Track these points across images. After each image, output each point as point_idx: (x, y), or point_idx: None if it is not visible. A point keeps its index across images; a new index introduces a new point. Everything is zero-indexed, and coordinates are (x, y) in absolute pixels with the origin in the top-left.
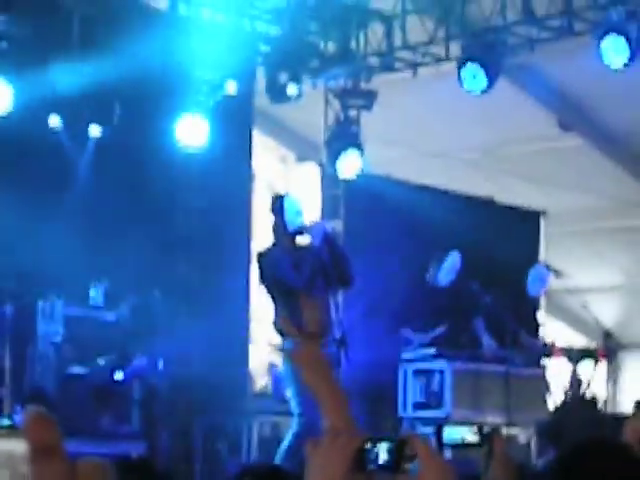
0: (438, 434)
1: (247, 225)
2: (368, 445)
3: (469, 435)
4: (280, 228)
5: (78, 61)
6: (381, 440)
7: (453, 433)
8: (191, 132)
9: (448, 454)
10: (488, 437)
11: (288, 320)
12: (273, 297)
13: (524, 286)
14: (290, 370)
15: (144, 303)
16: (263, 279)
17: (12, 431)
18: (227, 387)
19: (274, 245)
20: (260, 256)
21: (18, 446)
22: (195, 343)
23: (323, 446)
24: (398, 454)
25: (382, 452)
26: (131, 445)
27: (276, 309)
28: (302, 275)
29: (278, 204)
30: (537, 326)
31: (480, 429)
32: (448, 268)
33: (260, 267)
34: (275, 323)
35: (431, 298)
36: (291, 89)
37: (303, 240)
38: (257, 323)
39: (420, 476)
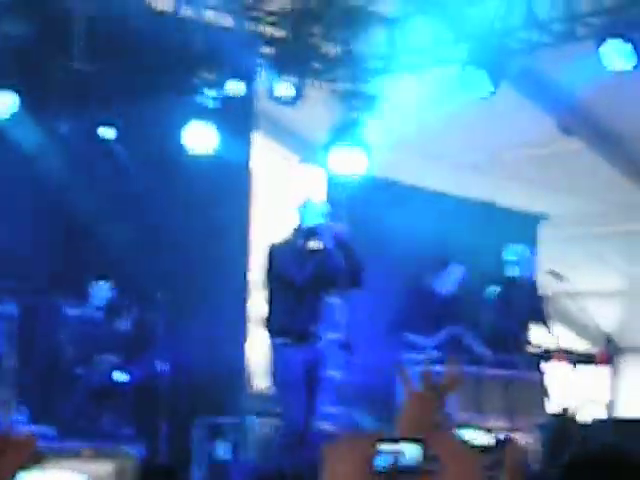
0: None
1: (246, 227)
2: (384, 446)
3: (480, 438)
4: (296, 227)
5: (81, 63)
6: (403, 440)
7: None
8: (198, 138)
9: None
10: (501, 444)
11: (282, 317)
12: (272, 292)
13: (528, 286)
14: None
15: (147, 315)
16: (267, 271)
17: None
18: (226, 388)
19: (286, 242)
20: (270, 249)
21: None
22: (194, 343)
23: (339, 448)
24: (422, 455)
25: (407, 453)
26: (131, 446)
27: (271, 305)
28: (304, 273)
29: (300, 205)
30: (544, 323)
31: (493, 434)
32: (449, 279)
33: (269, 259)
34: (268, 320)
35: (429, 304)
36: (287, 89)
37: (316, 242)
38: (255, 324)
39: (444, 475)
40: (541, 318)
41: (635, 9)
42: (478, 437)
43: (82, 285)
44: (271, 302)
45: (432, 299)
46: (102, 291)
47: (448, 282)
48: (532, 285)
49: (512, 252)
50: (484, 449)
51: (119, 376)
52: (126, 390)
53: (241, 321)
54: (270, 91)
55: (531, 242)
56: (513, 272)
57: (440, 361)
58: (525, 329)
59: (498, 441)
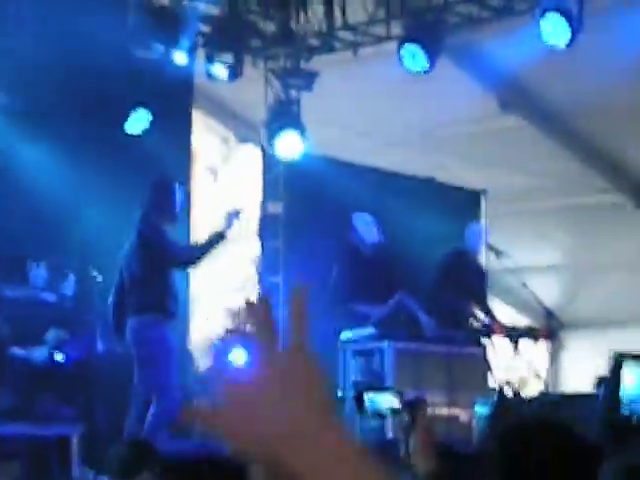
0: (358, 399)
1: (186, 205)
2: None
3: (390, 401)
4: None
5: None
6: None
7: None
8: (136, 123)
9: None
10: (410, 405)
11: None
12: (149, 271)
13: (470, 263)
14: None
15: (85, 285)
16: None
17: None
18: None
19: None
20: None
21: None
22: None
23: None
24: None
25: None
26: (70, 427)
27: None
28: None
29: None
30: (485, 304)
31: (401, 395)
32: (363, 229)
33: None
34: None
35: (359, 263)
36: (219, 70)
37: None
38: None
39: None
40: (483, 294)
41: None
42: (387, 400)
43: (20, 265)
44: (148, 280)
45: (360, 256)
46: (40, 271)
47: (366, 232)
48: (476, 261)
49: (466, 227)
50: (394, 411)
51: (58, 356)
52: (65, 370)
53: (184, 302)
54: (207, 69)
55: (474, 218)
56: (462, 246)
57: (375, 337)
58: (468, 304)
59: (407, 403)
